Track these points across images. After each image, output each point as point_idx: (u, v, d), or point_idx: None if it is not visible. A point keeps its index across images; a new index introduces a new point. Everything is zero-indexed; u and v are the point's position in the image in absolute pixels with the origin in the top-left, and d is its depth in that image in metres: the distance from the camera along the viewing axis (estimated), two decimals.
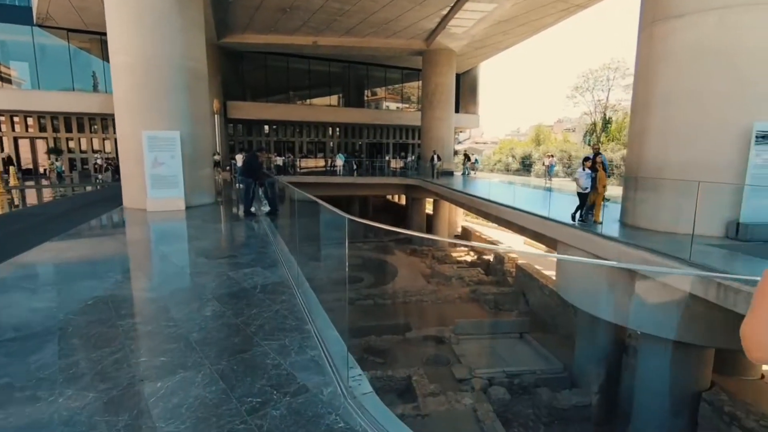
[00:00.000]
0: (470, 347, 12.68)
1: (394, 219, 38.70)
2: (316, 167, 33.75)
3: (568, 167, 37.26)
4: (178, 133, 11.77)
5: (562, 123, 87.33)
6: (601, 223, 9.27)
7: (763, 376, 9.44)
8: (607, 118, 45.02)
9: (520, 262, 19.43)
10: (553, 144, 55.65)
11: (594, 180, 9.24)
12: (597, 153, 9.67)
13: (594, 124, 45.89)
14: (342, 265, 3.86)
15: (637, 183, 9.08)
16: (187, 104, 12.26)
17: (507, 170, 44.45)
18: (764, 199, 7.75)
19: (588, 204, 9.49)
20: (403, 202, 37.33)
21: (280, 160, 29.14)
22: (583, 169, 9.49)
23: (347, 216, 3.35)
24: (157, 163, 11.62)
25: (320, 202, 5.02)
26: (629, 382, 10.40)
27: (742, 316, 0.97)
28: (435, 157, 27.52)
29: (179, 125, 11.98)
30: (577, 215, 9.68)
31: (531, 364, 11.50)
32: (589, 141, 47.04)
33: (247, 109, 33.36)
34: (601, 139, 44.29)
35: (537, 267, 18.71)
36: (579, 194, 9.60)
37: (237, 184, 15.44)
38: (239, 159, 21.37)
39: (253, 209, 10.87)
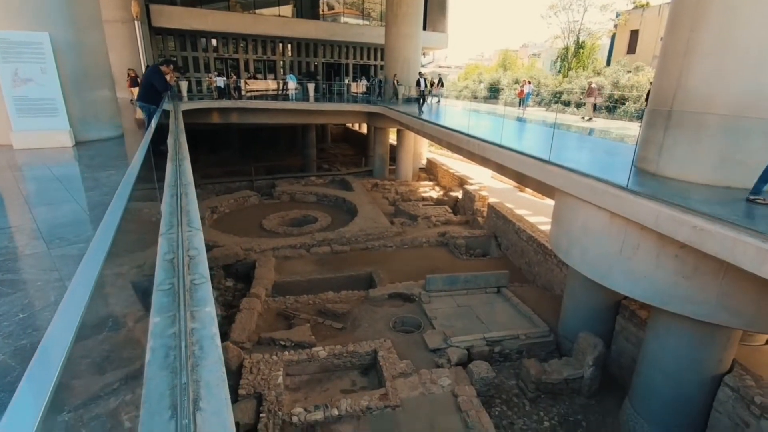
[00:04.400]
0: (443, 307, 11.13)
1: (356, 150, 35.80)
2: (266, 91, 29.42)
3: (537, 95, 35.11)
4: (46, 35, 8.22)
5: (528, 48, 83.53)
6: None
7: (767, 341, 8.52)
8: (580, 42, 42.28)
9: (492, 200, 17.79)
10: (519, 70, 52.73)
11: None
12: None
13: (566, 48, 43.12)
14: None
15: (671, 119, 7.04)
16: None
17: (474, 97, 41.68)
18: None
19: None
20: (365, 131, 34.27)
21: (220, 81, 24.78)
22: None
23: None
24: (20, 79, 8.20)
25: None
26: (622, 345, 9.28)
27: None
28: (396, 81, 24.41)
29: (48, 25, 8.38)
30: None
31: (513, 326, 10.13)
32: (560, 68, 44.61)
33: (177, 16, 27.67)
34: (572, 65, 41.98)
35: (509, 205, 17.18)
36: None
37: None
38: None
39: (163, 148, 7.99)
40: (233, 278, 13.59)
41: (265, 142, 34.33)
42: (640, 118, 16.00)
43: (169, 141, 7.19)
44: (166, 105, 14.51)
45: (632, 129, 14.85)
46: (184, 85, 22.02)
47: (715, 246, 5.15)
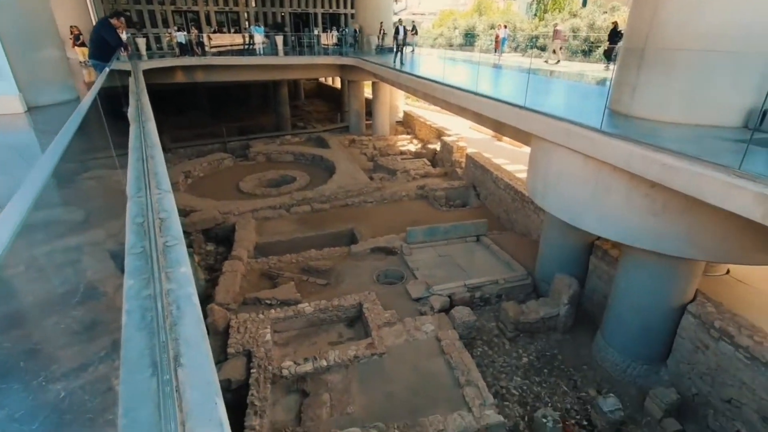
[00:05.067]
0: (425, 257, 11.37)
1: (331, 106, 34.78)
2: (232, 46, 27.75)
3: (513, 39, 34.26)
4: None
5: None
6: None
7: (728, 271, 9.06)
8: None
9: (470, 151, 17.78)
10: (495, 14, 51.04)
11: None
12: None
13: None
14: None
15: (643, 59, 7.00)
16: None
17: (450, 45, 40.44)
18: None
19: None
20: (339, 86, 33.17)
21: (181, 37, 23.18)
22: None
23: None
24: None
25: None
26: (595, 283, 9.75)
27: None
28: (357, 30, 23.50)
29: None
30: None
31: (492, 272, 10.47)
32: (536, 10, 43.38)
33: None
34: (548, 8, 40.86)
35: (487, 155, 17.24)
36: None
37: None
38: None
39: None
40: (213, 242, 13.48)
41: (235, 101, 32.91)
42: (608, 59, 15.91)
43: (131, 102, 6.81)
44: (124, 64, 13.61)
45: (607, 72, 14.80)
46: (142, 42, 20.57)
47: (683, 182, 5.32)
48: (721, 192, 4.80)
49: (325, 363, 7.47)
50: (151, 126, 5.05)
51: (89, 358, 2.32)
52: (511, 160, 18.38)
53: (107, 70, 6.99)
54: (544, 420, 6.95)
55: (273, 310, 8.82)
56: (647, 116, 7.09)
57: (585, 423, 7.39)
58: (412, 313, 9.24)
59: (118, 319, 2.00)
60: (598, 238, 9.56)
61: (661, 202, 6.38)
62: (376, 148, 22.37)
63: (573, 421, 7.38)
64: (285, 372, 7.29)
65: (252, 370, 7.25)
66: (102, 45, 6.98)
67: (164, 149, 4.23)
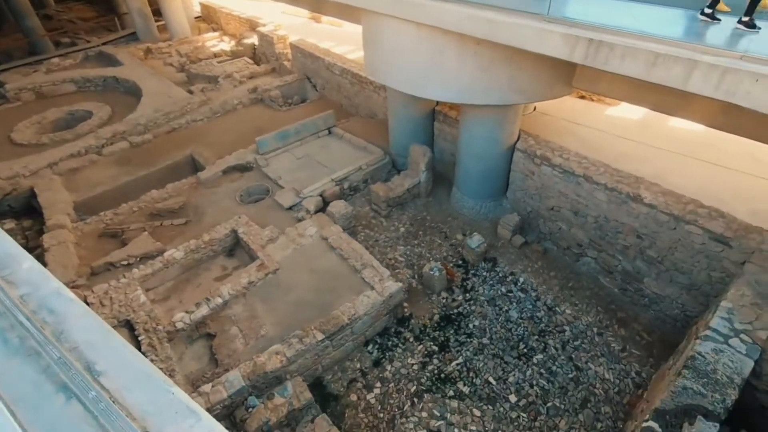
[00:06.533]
0: (284, 164, 10.89)
1: (99, 9, 27.08)
2: None
3: None
4: None
5: None
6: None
7: (535, 108, 10.85)
8: None
9: (292, 40, 16.38)
10: None
11: None
12: None
13: None
14: None
15: None
16: None
17: None
18: None
19: None
20: None
21: None
22: None
23: None
24: None
25: None
26: (442, 145, 10.79)
27: None
28: None
29: None
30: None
31: (353, 161, 10.67)
32: None
33: None
34: None
35: (312, 41, 16.18)
36: None
37: None
38: None
39: None
40: (11, 217, 10.55)
41: None
42: None
43: None
44: None
45: None
46: None
47: (506, 35, 5.84)
48: (537, 38, 5.44)
49: (220, 300, 7.09)
50: None
51: None
52: (336, 41, 17.60)
53: None
54: (432, 272, 8.07)
55: (136, 270, 7.71)
56: None
57: (460, 262, 8.83)
58: (290, 222, 9.10)
59: None
60: (438, 103, 10.32)
61: (488, 57, 7.01)
62: (182, 54, 18.92)
63: (451, 264, 8.75)
64: (180, 325, 6.74)
65: (140, 338, 6.51)
66: None
67: None
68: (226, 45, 20.08)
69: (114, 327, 6.67)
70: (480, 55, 7.03)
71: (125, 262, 8.23)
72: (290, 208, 9.50)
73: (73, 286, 7.69)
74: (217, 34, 21.57)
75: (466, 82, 7.49)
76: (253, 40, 18.92)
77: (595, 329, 7.54)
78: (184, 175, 11.28)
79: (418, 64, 7.58)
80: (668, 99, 6.65)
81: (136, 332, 6.65)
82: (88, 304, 7.15)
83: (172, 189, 10.42)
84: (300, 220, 9.08)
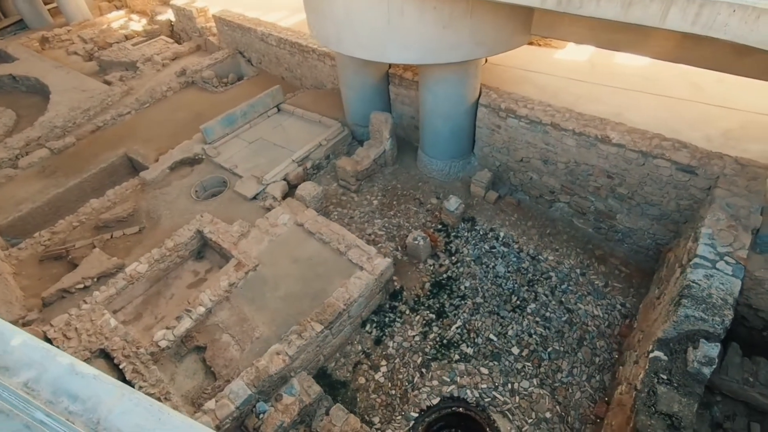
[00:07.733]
0: (236, 151, 10.06)
1: None
2: None
3: None
4: None
5: None
6: None
7: (486, 60, 10.68)
8: None
9: (215, 12, 14.85)
10: None
11: None
12: None
13: None
14: None
15: None
16: None
17: None
18: None
19: None
20: None
21: None
22: None
23: None
24: None
25: None
26: (401, 109, 10.44)
27: None
28: None
29: None
30: None
31: (311, 137, 10.06)
32: None
33: None
34: None
35: (237, 11, 14.77)
36: None
37: None
38: None
39: None
40: None
41: None
42: None
43: None
44: None
45: None
46: None
47: None
48: None
49: (203, 309, 6.56)
50: None
51: None
52: (264, 10, 16.21)
53: None
54: (416, 241, 7.94)
55: (96, 292, 6.90)
56: None
57: (440, 227, 8.77)
58: (258, 213, 8.51)
59: None
60: (390, 66, 9.86)
61: (447, 11, 6.65)
62: (86, 40, 16.64)
63: (432, 230, 8.67)
64: (163, 344, 6.18)
65: (121, 366, 5.91)
66: None
67: None
68: (137, 24, 17.90)
69: (88, 359, 6.01)
70: (440, 10, 6.64)
71: (81, 286, 7.35)
72: (254, 198, 8.87)
73: (24, 323, 6.79)
74: (122, 12, 19.16)
75: (427, 42, 7.10)
76: (169, 15, 17.00)
77: (578, 270, 7.87)
78: (123, 178, 10.18)
79: (377, 26, 7.06)
80: (625, 37, 6.70)
81: (115, 360, 6.02)
82: (48, 340, 6.35)
83: (114, 195, 9.35)
84: (268, 209, 8.51)
